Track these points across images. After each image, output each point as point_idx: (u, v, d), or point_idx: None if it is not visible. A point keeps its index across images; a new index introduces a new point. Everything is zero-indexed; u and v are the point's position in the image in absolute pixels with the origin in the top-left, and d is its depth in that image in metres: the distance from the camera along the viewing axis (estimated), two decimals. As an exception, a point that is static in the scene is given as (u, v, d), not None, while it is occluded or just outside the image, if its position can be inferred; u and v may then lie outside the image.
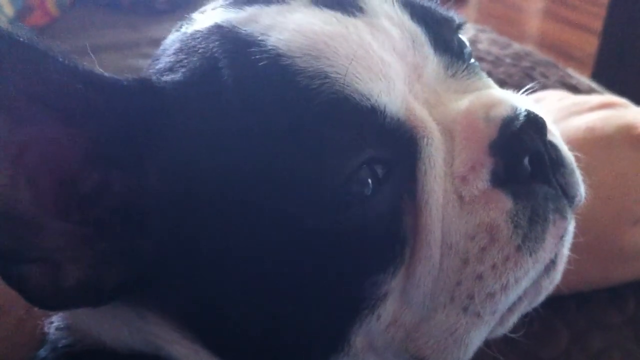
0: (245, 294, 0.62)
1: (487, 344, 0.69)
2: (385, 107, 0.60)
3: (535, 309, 0.73)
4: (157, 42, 2.00)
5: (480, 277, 0.62)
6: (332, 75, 0.59)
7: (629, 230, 0.93)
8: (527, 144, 0.64)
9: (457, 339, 0.64)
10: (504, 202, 0.62)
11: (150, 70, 0.67)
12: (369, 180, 0.59)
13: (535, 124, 0.65)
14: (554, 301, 0.90)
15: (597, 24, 3.05)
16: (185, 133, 0.60)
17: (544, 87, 1.27)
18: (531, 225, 0.63)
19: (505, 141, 0.63)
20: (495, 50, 1.41)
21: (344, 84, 0.58)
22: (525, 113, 0.64)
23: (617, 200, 0.92)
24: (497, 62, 1.35)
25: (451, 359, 0.65)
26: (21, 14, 1.92)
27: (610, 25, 2.76)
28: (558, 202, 0.65)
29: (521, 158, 0.63)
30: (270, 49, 0.60)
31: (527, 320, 0.73)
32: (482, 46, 1.42)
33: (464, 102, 0.66)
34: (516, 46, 1.47)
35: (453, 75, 0.68)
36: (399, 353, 0.66)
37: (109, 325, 0.66)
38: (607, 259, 0.93)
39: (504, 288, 0.63)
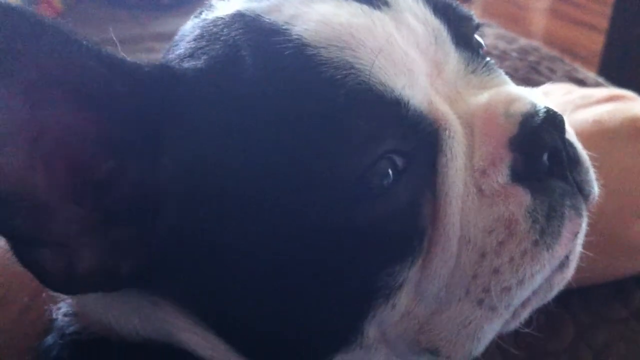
0: (259, 284, 0.62)
1: (497, 336, 0.69)
2: (409, 100, 0.60)
3: (541, 303, 0.73)
4: (162, 37, 2.00)
5: (497, 270, 0.62)
6: (357, 66, 0.59)
7: (635, 224, 0.93)
8: (547, 141, 0.64)
9: (470, 332, 0.64)
10: (523, 197, 0.63)
11: (170, 56, 0.66)
12: (389, 171, 0.59)
13: (554, 121, 0.65)
14: (560, 295, 0.89)
15: (603, 22, 3.05)
16: (204, 121, 0.59)
17: (550, 81, 1.26)
18: (548, 221, 0.63)
19: (525, 137, 0.63)
20: (501, 44, 1.41)
21: (369, 75, 0.58)
22: (545, 110, 0.65)
23: (623, 193, 0.92)
24: (503, 56, 1.35)
25: (463, 352, 0.65)
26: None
27: (615, 23, 2.75)
28: (574, 199, 0.66)
29: (540, 154, 0.64)
30: (295, 39, 0.59)
31: (534, 314, 0.73)
32: (489, 41, 1.42)
33: (483, 98, 0.66)
34: (522, 41, 1.47)
35: (473, 72, 0.68)
36: (411, 345, 0.66)
37: (119, 311, 0.66)
38: (613, 252, 0.93)
39: (520, 282, 0.63)
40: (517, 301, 0.64)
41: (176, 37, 0.70)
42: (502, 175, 0.63)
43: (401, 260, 0.61)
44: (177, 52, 0.65)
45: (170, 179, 0.59)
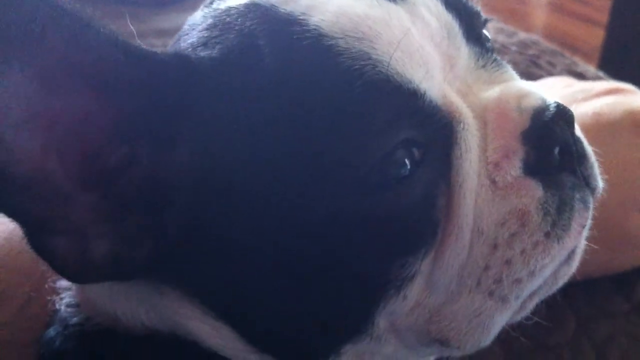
0: (270, 276, 0.62)
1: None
2: (425, 92, 0.61)
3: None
4: (163, 33, 1.98)
5: (509, 262, 0.63)
6: (375, 57, 0.59)
7: (635, 217, 0.93)
8: (558, 135, 0.65)
9: (480, 322, 0.65)
10: (535, 190, 0.64)
11: (182, 45, 0.66)
12: (406, 161, 0.60)
13: (564, 115, 0.66)
14: (562, 288, 0.89)
15: (603, 17, 3.04)
16: (220, 111, 0.59)
17: (550, 75, 1.26)
18: (559, 214, 0.64)
19: (537, 131, 0.64)
20: (501, 38, 1.41)
21: (388, 66, 0.59)
22: (555, 105, 0.66)
23: (623, 186, 0.92)
24: (503, 50, 1.34)
25: (473, 342, 0.66)
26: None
27: (615, 18, 2.75)
28: (582, 192, 0.67)
29: (552, 148, 0.65)
30: (312, 29, 0.60)
31: (536, 307, 0.73)
32: (489, 35, 1.41)
33: (495, 92, 0.67)
34: (522, 35, 1.46)
35: (483, 67, 0.70)
36: (421, 335, 0.66)
37: (125, 301, 0.66)
38: (614, 245, 0.93)
39: (531, 273, 0.64)
40: (527, 292, 0.65)
41: (185, 27, 0.70)
42: (515, 168, 0.64)
43: (414, 251, 0.62)
44: (190, 41, 0.65)
45: (182, 171, 0.59)
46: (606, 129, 0.94)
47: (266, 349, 0.66)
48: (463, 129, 0.64)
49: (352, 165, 0.58)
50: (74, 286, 0.71)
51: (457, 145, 0.63)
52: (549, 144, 0.65)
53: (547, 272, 0.65)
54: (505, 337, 0.73)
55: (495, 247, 0.63)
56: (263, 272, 0.62)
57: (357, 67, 0.58)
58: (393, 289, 0.62)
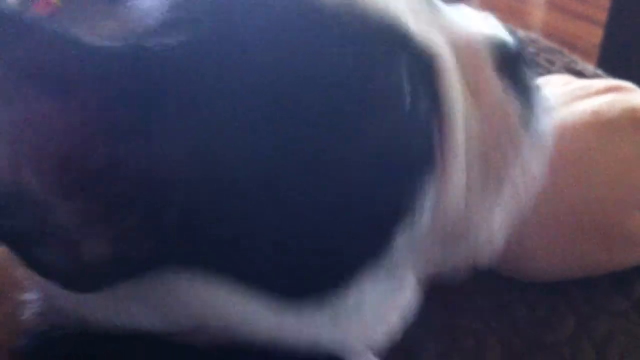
0: (270, 270, 0.61)
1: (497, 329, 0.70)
2: (409, 29, 0.65)
3: (540, 294, 0.73)
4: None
5: (502, 155, 0.70)
6: (359, 2, 0.61)
7: (634, 215, 0.92)
8: (523, 59, 0.73)
9: (494, 213, 0.71)
10: (515, 106, 0.71)
11: (138, 31, 0.60)
12: (407, 96, 0.63)
13: (519, 43, 0.75)
14: (560, 287, 0.89)
15: (602, 15, 3.04)
16: (203, 95, 0.57)
17: (548, 73, 1.26)
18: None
19: (506, 59, 0.71)
20: (499, 36, 1.40)
21: (375, 8, 0.62)
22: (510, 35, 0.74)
23: (623, 184, 0.92)
24: (501, 47, 1.34)
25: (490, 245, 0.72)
26: (24, 3, 1.92)
27: (614, 16, 2.75)
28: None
29: (523, 72, 0.73)
30: None
31: (532, 305, 0.73)
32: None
33: (459, 29, 0.72)
34: (521, 33, 1.46)
35: (437, 8, 0.73)
36: (438, 250, 0.70)
37: (95, 301, 0.63)
38: (612, 244, 0.93)
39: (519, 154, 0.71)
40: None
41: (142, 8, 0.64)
42: (493, 94, 0.70)
43: (421, 178, 0.65)
44: (151, 25, 0.60)
45: (182, 170, 0.57)
46: (605, 127, 0.94)
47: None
48: (444, 61, 0.67)
49: (364, 109, 0.60)
50: (40, 295, 0.69)
51: (442, 77, 0.67)
52: (519, 68, 0.72)
53: None
54: (505, 336, 0.73)
55: (486, 154, 0.69)
56: (263, 268, 0.61)
57: (345, 14, 0.60)
58: (408, 216, 0.64)
